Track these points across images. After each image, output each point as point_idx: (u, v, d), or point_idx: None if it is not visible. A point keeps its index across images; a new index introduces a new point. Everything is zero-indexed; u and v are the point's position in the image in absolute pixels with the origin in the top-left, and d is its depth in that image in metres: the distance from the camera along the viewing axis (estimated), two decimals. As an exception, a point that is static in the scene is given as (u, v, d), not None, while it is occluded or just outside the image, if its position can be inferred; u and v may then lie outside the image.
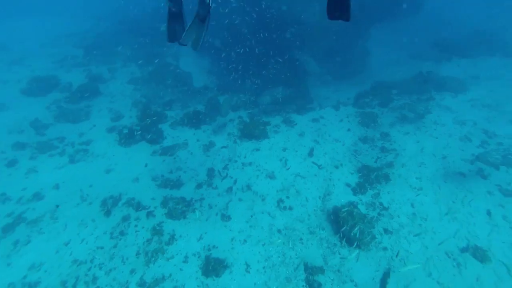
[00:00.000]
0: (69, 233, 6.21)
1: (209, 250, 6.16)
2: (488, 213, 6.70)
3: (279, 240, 6.38)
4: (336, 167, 8.30)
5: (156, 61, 13.64)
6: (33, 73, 12.48)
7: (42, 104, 10.64)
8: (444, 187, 7.49)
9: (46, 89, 11.38)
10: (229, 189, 7.71)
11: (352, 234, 6.32)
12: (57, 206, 6.88)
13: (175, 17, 3.99)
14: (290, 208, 7.14)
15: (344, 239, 6.35)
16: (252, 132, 9.42)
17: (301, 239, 6.46)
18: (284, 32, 12.16)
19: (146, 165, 8.51)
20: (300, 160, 8.60)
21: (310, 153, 8.77)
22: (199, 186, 7.82)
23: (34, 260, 5.86)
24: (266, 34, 11.99)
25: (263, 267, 5.90)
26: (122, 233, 6.34)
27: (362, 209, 7.02)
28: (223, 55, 13.15)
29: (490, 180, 7.56)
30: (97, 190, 7.44)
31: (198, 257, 6.01)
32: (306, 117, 10.41)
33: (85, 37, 16.50)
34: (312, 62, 14.20)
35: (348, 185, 7.74)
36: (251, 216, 6.94)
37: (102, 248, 5.93)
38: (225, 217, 6.90)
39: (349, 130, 9.68)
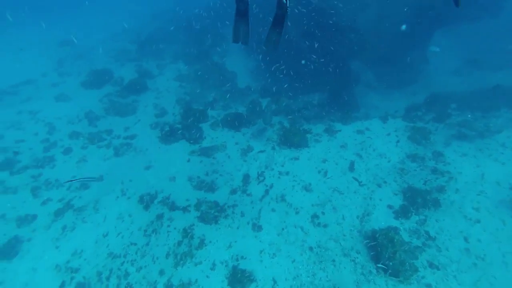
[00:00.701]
0: (108, 225, 6.55)
1: (237, 260, 6.05)
2: None
3: (311, 259, 6.06)
4: (379, 186, 7.69)
5: (201, 59, 13.91)
6: (92, 67, 13.46)
7: (97, 97, 11.42)
8: (510, 223, 6.53)
9: (101, 82, 12.20)
10: (263, 198, 7.54)
11: (391, 263, 5.78)
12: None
13: (241, 16, 4.03)
14: (325, 225, 6.76)
15: (382, 267, 5.82)
16: (291, 139, 9.12)
17: (333, 260, 6.07)
18: (337, 37, 11.60)
19: (188, 160, 8.69)
20: (339, 174, 8.13)
21: (351, 168, 8.24)
22: (233, 191, 7.76)
23: (77, 247, 6.26)
24: (318, 34, 11.54)
25: (291, 286, 5.65)
26: (155, 232, 6.51)
27: (405, 236, 6.40)
28: (268, 58, 13.00)
29: None
30: (136, 185, 7.75)
31: (226, 266, 5.94)
32: (350, 128, 9.82)
33: (140, 34, 17.42)
34: (364, 68, 13.44)
35: (390, 207, 7.11)
36: (283, 229, 6.70)
37: (135, 244, 6.14)
38: (256, 227, 6.75)
39: (396, 145, 8.92)
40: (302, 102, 11.35)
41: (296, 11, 11.50)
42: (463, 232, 6.43)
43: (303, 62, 11.47)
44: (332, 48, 11.70)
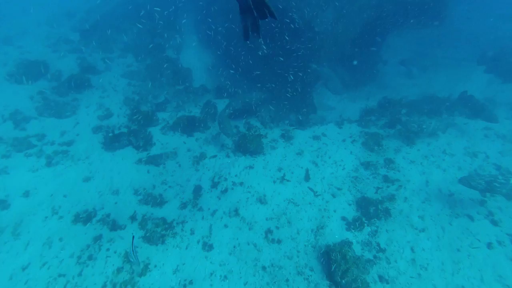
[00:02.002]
0: (30, 254, 5.64)
1: (184, 286, 5.59)
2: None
3: (264, 280, 5.81)
4: (333, 196, 7.66)
5: (154, 54, 12.85)
6: (23, 56, 11.72)
7: (27, 93, 9.94)
8: (448, 230, 6.87)
9: (34, 75, 10.66)
10: (215, 212, 7.10)
11: (344, 280, 5.74)
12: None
13: (245, 12, 3.56)
14: (279, 241, 6.55)
15: (334, 285, 5.77)
16: (247, 146, 8.75)
17: (287, 280, 5.88)
18: (296, 38, 11.34)
19: (134, 170, 7.92)
20: (295, 183, 7.96)
21: (307, 177, 8.12)
22: (183, 205, 7.21)
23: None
24: (277, 34, 11.21)
25: (242, 312, 5.35)
26: (91, 258, 5.77)
27: (357, 249, 6.43)
28: (226, 55, 12.40)
29: (501, 227, 6.94)
30: (71, 201, 6.84)
31: (172, 293, 5.46)
32: (307, 133, 9.71)
33: (86, 19, 15.61)
34: (321, 69, 13.42)
35: (344, 218, 7.11)
36: (235, 247, 6.35)
37: (64, 276, 5.36)
38: (207, 246, 6.32)
39: (351, 152, 8.99)
40: (259, 103, 10.99)
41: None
42: (410, 242, 6.63)
43: (260, 53, 10.98)
44: (290, 48, 11.48)
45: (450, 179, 8.06)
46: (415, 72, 14.64)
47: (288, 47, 11.41)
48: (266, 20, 3.99)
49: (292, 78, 11.34)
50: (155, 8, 14.68)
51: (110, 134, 8.65)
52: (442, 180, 8.07)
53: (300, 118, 10.62)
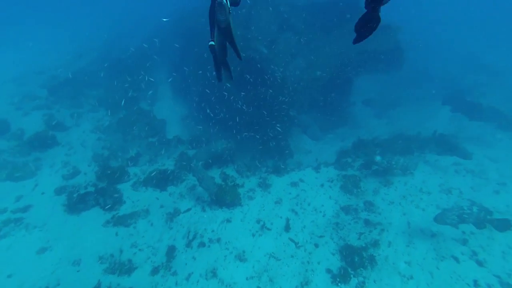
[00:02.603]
0: None
1: None
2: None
3: None
4: (316, 246, 7.29)
5: (126, 107, 12.71)
6: (-17, 116, 11.16)
7: (-18, 156, 9.25)
8: (437, 275, 6.59)
9: (-7, 136, 10.05)
10: (191, 276, 6.46)
11: None
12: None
13: (220, 63, 4.46)
14: (261, 305, 5.95)
15: None
16: (223, 198, 8.37)
17: None
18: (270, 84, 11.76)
19: (101, 233, 7.22)
20: (275, 235, 7.55)
21: (287, 227, 7.76)
22: (155, 271, 6.53)
23: None
24: (249, 87, 11.58)
25: None
26: None
27: (346, 306, 5.93)
28: (202, 104, 12.52)
29: (487, 268, 6.77)
30: (19, 280, 5.98)
31: None
32: (285, 180, 9.54)
33: (56, 76, 15.48)
34: (301, 116, 13.81)
35: (329, 271, 6.69)
36: (213, 318, 5.67)
37: None
38: (181, 320, 5.60)
39: (330, 197, 8.83)
40: (234, 152, 10.86)
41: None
42: (400, 292, 6.25)
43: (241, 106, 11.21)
44: (265, 94, 11.81)
45: (430, 219, 7.97)
46: (376, 110, 15.45)
47: (262, 96, 11.76)
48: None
49: (267, 126, 11.52)
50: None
51: (75, 195, 8.03)
52: (422, 220, 7.98)
53: (278, 165, 10.50)
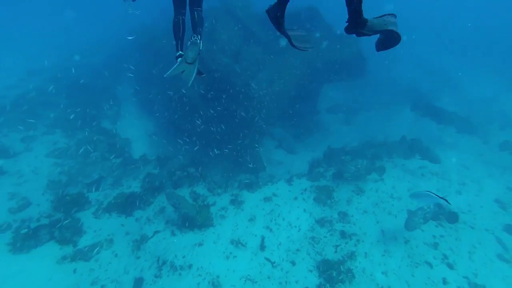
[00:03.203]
0: None
1: None
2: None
3: None
4: (293, 264, 7.05)
5: (86, 127, 11.88)
6: None
7: None
8: (412, 283, 6.60)
9: None
10: (160, 311, 5.93)
11: None
12: None
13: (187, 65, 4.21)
14: (238, 337, 5.56)
15: None
16: (194, 219, 7.92)
17: None
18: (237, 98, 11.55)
19: (54, 273, 6.46)
20: (250, 255, 7.23)
21: (262, 246, 7.46)
22: (118, 310, 5.92)
23: None
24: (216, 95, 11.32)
25: None
26: None
27: (326, 326, 5.71)
28: (170, 118, 12.03)
29: (457, 270, 6.91)
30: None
31: None
32: (257, 195, 9.27)
33: (4, 96, 14.22)
34: (275, 129, 13.72)
35: (307, 289, 6.46)
36: None
37: None
38: None
39: (304, 210, 8.69)
40: (205, 168, 10.46)
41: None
42: (379, 305, 6.16)
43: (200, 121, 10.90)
44: (232, 108, 11.59)
45: (402, 225, 8.06)
46: (343, 117, 15.86)
47: (229, 105, 11.51)
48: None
49: (236, 139, 11.27)
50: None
51: (24, 231, 7.18)
52: (395, 227, 8.05)
53: (250, 179, 10.23)
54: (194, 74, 4.37)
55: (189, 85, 4.61)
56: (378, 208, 8.72)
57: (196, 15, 4.35)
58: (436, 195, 6.54)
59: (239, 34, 13.49)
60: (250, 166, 11.15)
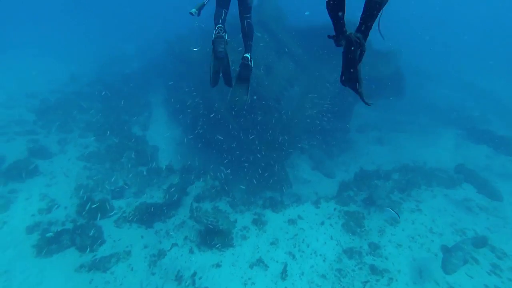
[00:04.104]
0: None
1: None
2: None
3: None
4: (316, 298, 6.43)
5: (117, 132, 12.15)
6: (-36, 142, 10.56)
7: (-45, 187, 8.54)
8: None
9: (-29, 165, 9.39)
10: (171, 337, 5.58)
11: None
12: None
13: (220, 60, 4.32)
14: None
15: None
16: (214, 237, 7.60)
17: None
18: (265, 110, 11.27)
19: (70, 281, 6.38)
20: (270, 284, 6.71)
21: (284, 274, 6.92)
22: (129, 330, 5.66)
23: None
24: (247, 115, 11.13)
25: None
26: None
27: None
28: (196, 127, 12.00)
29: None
30: None
31: None
32: (281, 216, 8.76)
33: (46, 99, 15.05)
34: (294, 140, 13.23)
35: (332, 331, 5.81)
36: None
37: None
38: None
39: (331, 237, 8.03)
40: (230, 182, 10.17)
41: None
42: None
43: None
44: (262, 120, 11.30)
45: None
46: (376, 136, 14.93)
47: (259, 119, 11.24)
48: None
49: (264, 153, 10.93)
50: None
51: (49, 234, 7.25)
52: (435, 267, 7.14)
53: (275, 197, 9.77)
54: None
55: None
56: (415, 243, 7.84)
57: (246, 24, 4.46)
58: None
59: (272, 46, 13.28)
60: (276, 182, 10.74)
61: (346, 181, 10.61)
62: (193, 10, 4.41)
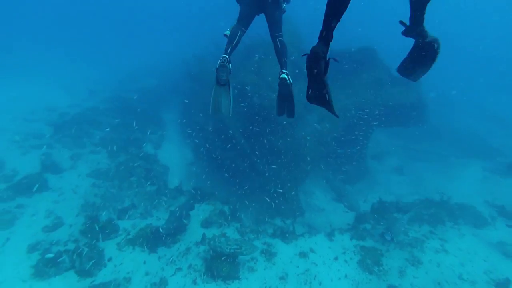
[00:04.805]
0: None
1: None
2: None
3: None
4: None
5: (129, 149, 12.10)
6: (-19, 153, 10.69)
7: (-35, 199, 8.51)
8: None
9: (-17, 177, 9.42)
10: None
11: None
12: None
13: (221, 86, 4.43)
14: None
15: None
16: (219, 269, 7.10)
17: None
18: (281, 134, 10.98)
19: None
20: (277, 327, 6.09)
21: (293, 316, 6.30)
22: None
23: None
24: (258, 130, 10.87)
25: None
26: None
27: None
28: (207, 146, 11.82)
29: None
30: None
31: None
32: (292, 248, 8.20)
33: (65, 113, 15.38)
34: (309, 166, 12.78)
35: None
36: None
37: None
38: None
39: (346, 276, 7.36)
40: (239, 207, 9.75)
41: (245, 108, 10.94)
42: None
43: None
44: (275, 144, 10.99)
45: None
46: (395, 165, 14.20)
47: (272, 142, 10.95)
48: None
49: (277, 178, 10.55)
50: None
51: (49, 256, 6.96)
52: (464, 319, 6.33)
53: (286, 226, 9.25)
54: (231, 103, 4.46)
55: (230, 114, 4.64)
56: (441, 288, 7.05)
57: (278, 43, 4.48)
58: None
59: (288, 70, 13.16)
60: (288, 209, 10.27)
61: (362, 212, 10.01)
62: (227, 32, 4.55)
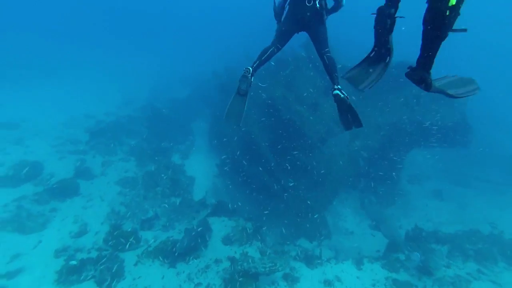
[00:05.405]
0: None
1: None
2: None
3: None
4: None
5: (157, 159, 12.29)
6: (24, 156, 11.39)
7: (4, 199, 8.99)
8: None
9: (22, 178, 9.94)
10: None
11: None
12: None
13: (241, 96, 4.54)
14: None
15: None
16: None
17: None
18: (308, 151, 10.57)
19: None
20: None
21: None
22: None
23: None
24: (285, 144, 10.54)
25: None
26: None
27: None
28: (228, 162, 11.68)
29: None
30: None
31: None
32: (316, 274, 7.64)
33: (102, 121, 16.15)
34: (337, 187, 12.15)
35: None
36: None
37: None
38: None
39: (376, 313, 6.66)
40: (263, 225, 9.38)
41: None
42: None
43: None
44: (303, 161, 10.56)
45: None
46: (434, 190, 12.99)
47: (299, 161, 10.56)
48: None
49: (304, 196, 10.09)
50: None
51: (73, 263, 7.07)
52: None
53: (311, 249, 8.71)
54: (243, 114, 4.53)
55: (240, 124, 4.70)
56: None
57: (326, 59, 4.38)
58: None
59: (319, 84, 12.76)
60: (314, 229, 9.74)
61: (395, 240, 9.18)
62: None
